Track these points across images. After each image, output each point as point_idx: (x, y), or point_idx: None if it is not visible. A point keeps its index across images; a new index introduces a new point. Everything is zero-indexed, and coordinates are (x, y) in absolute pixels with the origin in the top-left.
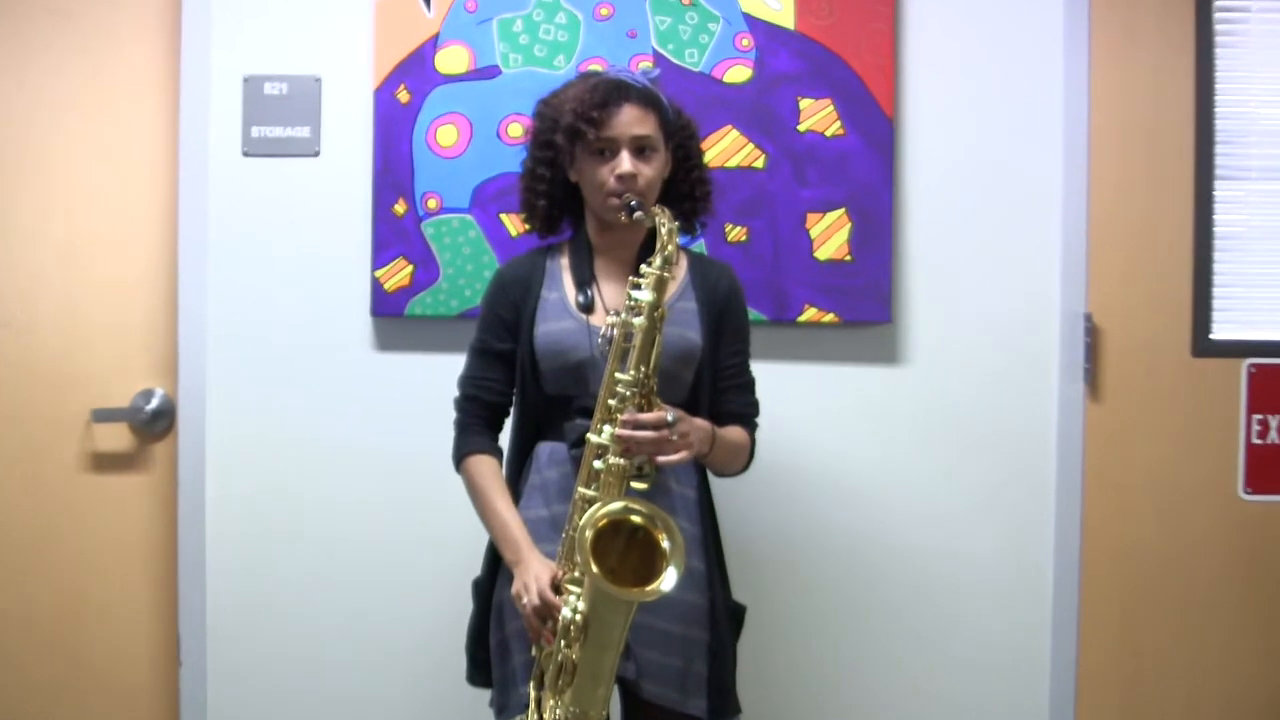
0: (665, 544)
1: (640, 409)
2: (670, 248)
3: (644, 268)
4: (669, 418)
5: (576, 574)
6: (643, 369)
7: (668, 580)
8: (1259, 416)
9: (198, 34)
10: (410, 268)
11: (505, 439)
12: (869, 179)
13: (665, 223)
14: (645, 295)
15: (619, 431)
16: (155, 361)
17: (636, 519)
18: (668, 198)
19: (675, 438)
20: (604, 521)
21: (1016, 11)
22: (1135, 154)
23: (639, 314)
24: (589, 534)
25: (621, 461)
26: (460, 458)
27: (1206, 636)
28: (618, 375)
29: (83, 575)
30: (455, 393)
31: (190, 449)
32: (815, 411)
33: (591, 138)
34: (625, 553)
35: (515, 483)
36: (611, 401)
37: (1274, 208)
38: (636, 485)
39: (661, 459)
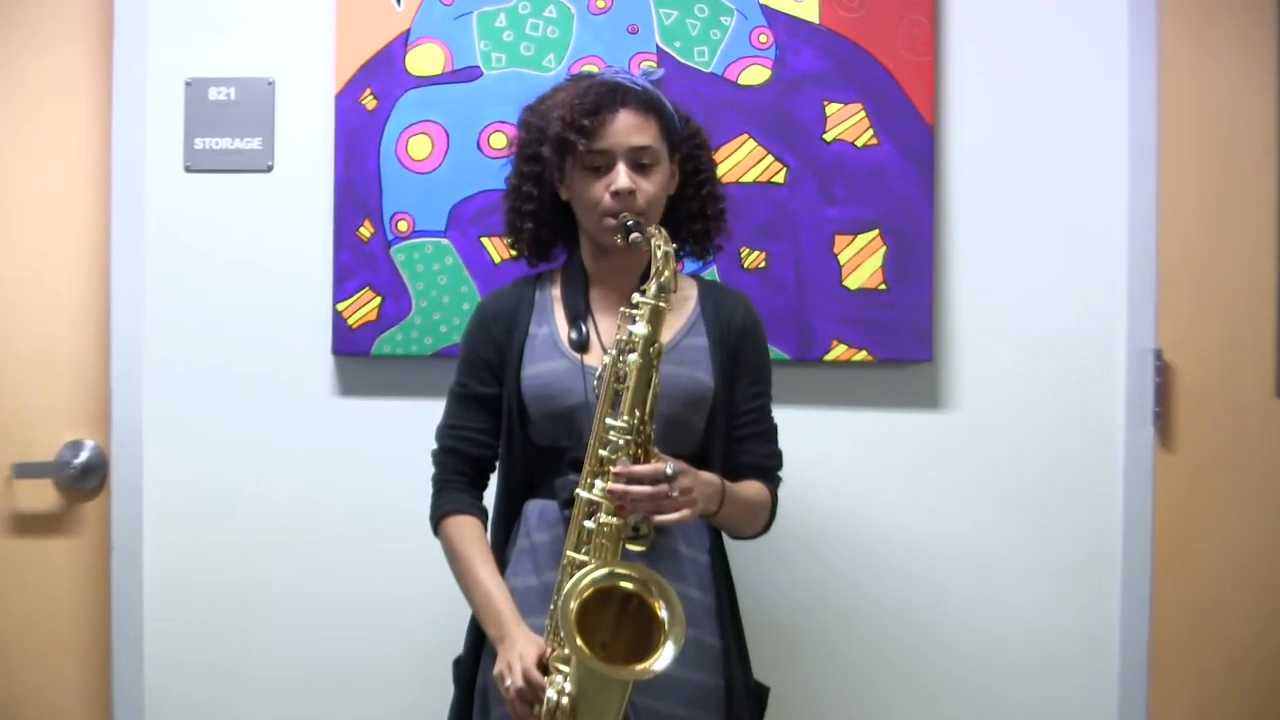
0: (663, 614)
1: (635, 459)
2: (666, 273)
3: (637, 297)
4: (668, 470)
5: (566, 650)
6: (637, 413)
7: (664, 656)
8: None
9: (133, 31)
10: (377, 300)
11: (491, 496)
12: (906, 195)
13: (661, 244)
14: (639, 329)
15: (610, 486)
16: (84, 409)
17: (627, 585)
18: (674, 218)
19: (675, 493)
20: (589, 591)
21: (1076, 5)
22: (1211, 167)
23: (632, 351)
24: (573, 605)
25: (615, 520)
26: (438, 519)
27: None
28: (609, 421)
29: (3, 654)
30: (432, 444)
31: (125, 509)
32: (845, 463)
33: (582, 149)
34: (618, 625)
35: (502, 547)
36: (603, 452)
37: None
38: (632, 548)
39: (659, 518)
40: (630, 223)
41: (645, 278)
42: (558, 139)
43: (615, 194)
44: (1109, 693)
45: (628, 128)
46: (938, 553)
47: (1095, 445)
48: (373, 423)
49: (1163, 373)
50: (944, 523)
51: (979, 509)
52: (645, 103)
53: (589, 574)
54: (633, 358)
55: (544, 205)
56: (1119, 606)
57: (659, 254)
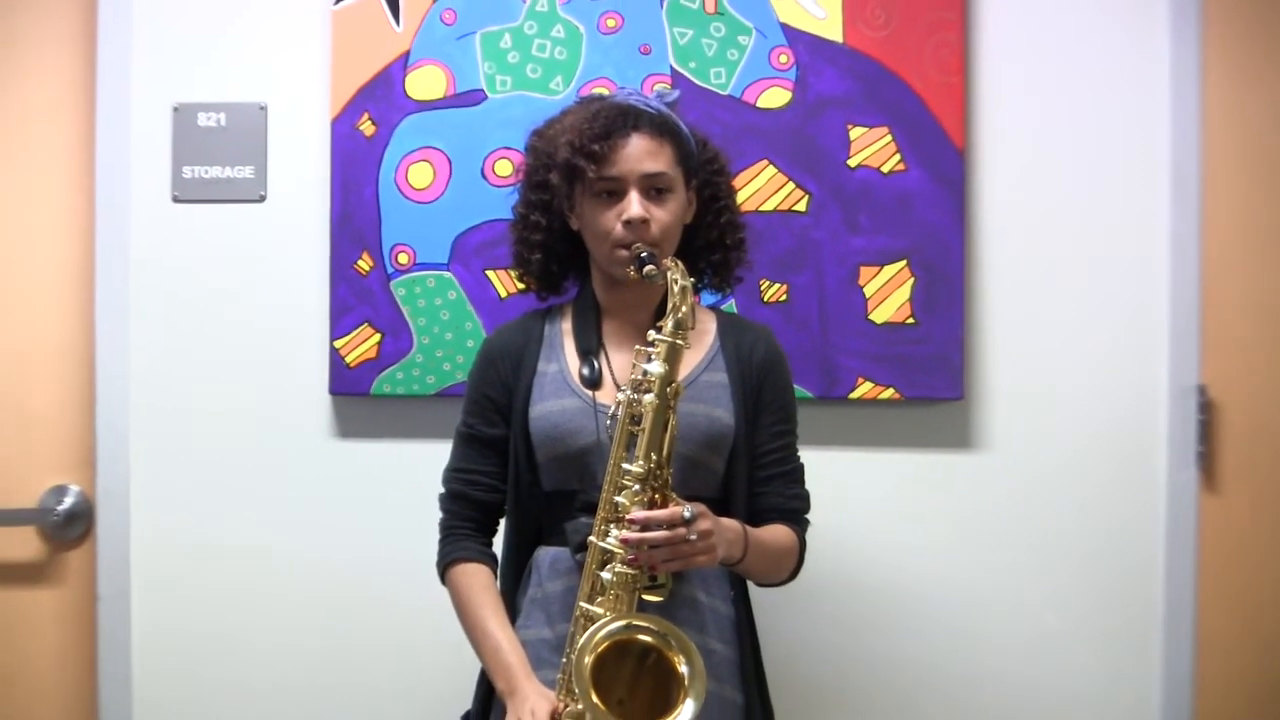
0: (683, 669)
1: (652, 505)
2: (684, 309)
3: (653, 334)
4: (685, 513)
5: (579, 706)
6: (654, 458)
7: (684, 714)
8: None
9: (117, 53)
10: (377, 336)
11: (500, 542)
12: (936, 224)
13: (678, 278)
14: (655, 368)
15: (624, 535)
16: (68, 453)
17: (646, 639)
18: (692, 248)
19: (694, 538)
20: (605, 645)
21: (1114, 21)
22: (1258, 193)
23: (648, 391)
24: (588, 660)
25: (630, 570)
26: (445, 567)
27: None
28: (624, 466)
29: None
30: (435, 488)
31: (111, 558)
32: (872, 507)
33: (592, 176)
34: (636, 680)
35: (512, 596)
36: (618, 498)
37: None
38: (649, 598)
39: (675, 566)
40: (644, 254)
41: (661, 310)
42: (566, 165)
43: (627, 223)
44: None
45: (640, 153)
46: (969, 602)
47: (1135, 488)
48: (372, 466)
49: (1207, 410)
50: (976, 570)
51: (1013, 555)
52: (659, 126)
53: (605, 626)
54: (649, 398)
55: (553, 235)
56: (1160, 660)
57: (676, 288)
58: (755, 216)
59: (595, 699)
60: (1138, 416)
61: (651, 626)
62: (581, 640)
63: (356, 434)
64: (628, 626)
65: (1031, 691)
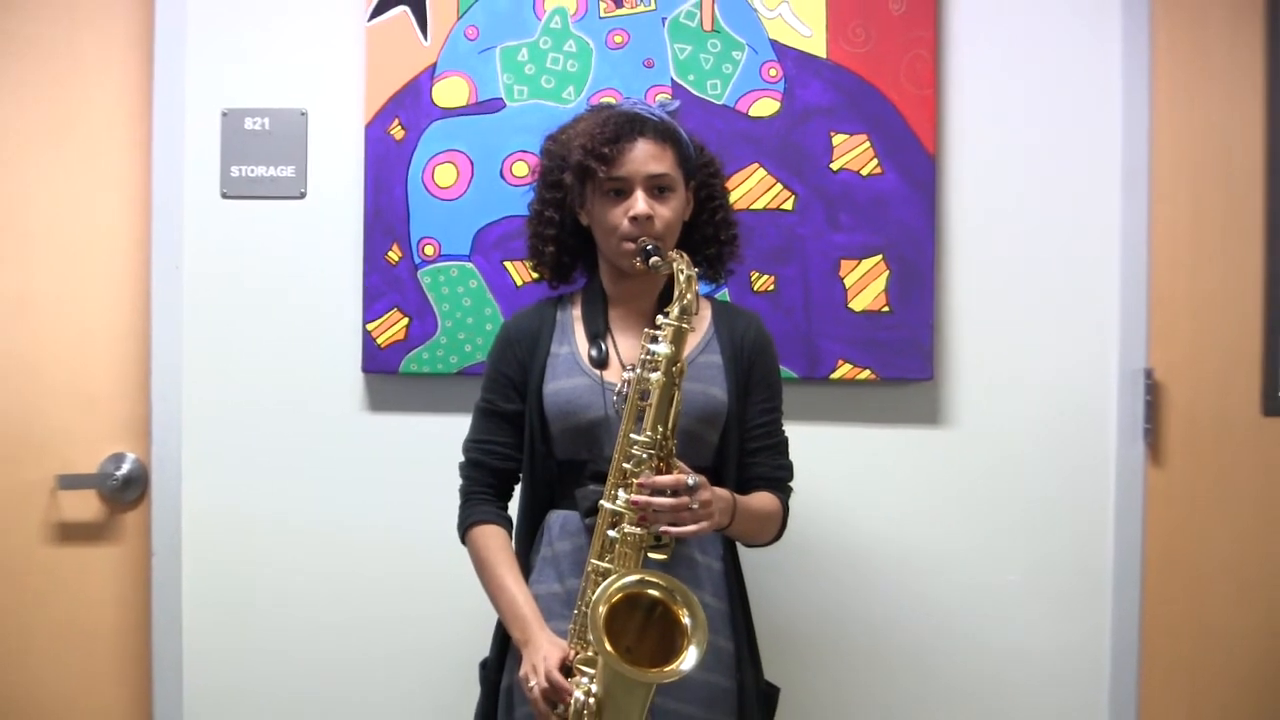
0: (686, 620)
1: (657, 473)
2: (689, 296)
3: (660, 319)
4: (689, 481)
5: (589, 654)
6: (660, 429)
7: (688, 660)
8: None
9: (171, 63)
10: (405, 320)
11: (515, 507)
12: (909, 222)
13: (684, 269)
14: (662, 349)
15: (633, 497)
16: (126, 423)
17: (654, 593)
18: (690, 242)
19: (695, 505)
20: (618, 596)
21: (1071, 38)
22: (1203, 192)
23: (656, 369)
24: (602, 610)
25: (638, 530)
26: (465, 529)
27: None
28: (633, 436)
29: (44, 660)
30: (457, 457)
31: (165, 519)
32: (850, 477)
33: (602, 176)
34: (643, 630)
35: (526, 555)
36: (626, 465)
37: None
38: (654, 556)
39: (677, 530)
40: (649, 247)
41: (662, 299)
42: (579, 166)
43: (633, 219)
44: (1098, 704)
45: (646, 156)
46: (935, 562)
47: (1088, 460)
48: (400, 437)
49: (1153, 391)
50: (941, 534)
51: (976, 520)
52: (662, 132)
53: (619, 580)
54: (656, 376)
55: (565, 230)
56: (1109, 619)
57: (681, 278)
58: (746, 214)
59: (608, 645)
60: (1090, 396)
61: (660, 582)
62: (596, 593)
63: (386, 408)
64: (641, 581)
65: (991, 644)
